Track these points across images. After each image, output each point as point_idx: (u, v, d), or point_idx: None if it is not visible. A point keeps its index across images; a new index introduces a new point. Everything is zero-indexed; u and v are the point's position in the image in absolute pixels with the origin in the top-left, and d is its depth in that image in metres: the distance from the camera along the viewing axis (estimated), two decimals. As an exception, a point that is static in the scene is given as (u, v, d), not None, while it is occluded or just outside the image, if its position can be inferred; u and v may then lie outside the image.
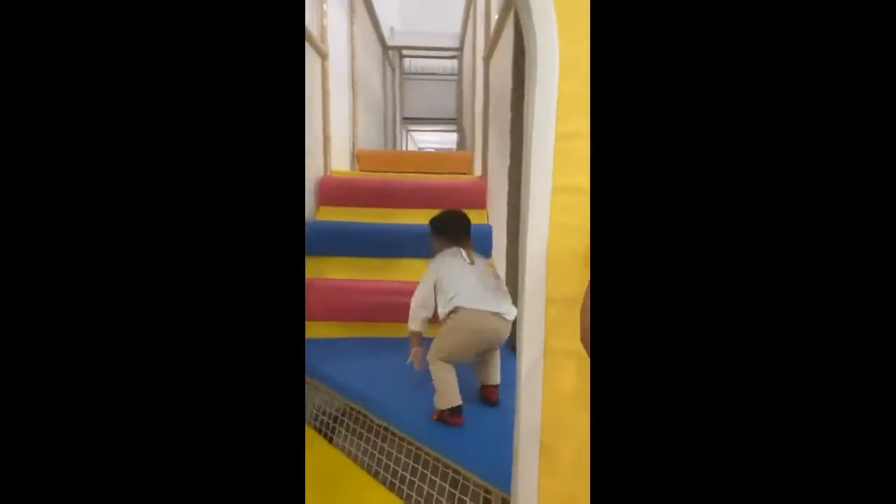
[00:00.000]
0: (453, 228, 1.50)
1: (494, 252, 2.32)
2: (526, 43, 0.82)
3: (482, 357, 1.38)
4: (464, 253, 1.42)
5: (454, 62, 5.65)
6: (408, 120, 5.92)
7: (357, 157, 3.56)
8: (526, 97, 0.82)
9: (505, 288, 1.39)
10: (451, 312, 1.30)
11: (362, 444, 1.50)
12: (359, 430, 1.55)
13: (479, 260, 1.43)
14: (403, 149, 6.17)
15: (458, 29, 4.97)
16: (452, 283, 1.31)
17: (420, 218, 2.54)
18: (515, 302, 1.06)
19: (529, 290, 0.82)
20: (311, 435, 1.64)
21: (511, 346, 1.83)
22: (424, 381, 1.39)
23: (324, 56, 2.60)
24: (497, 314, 1.27)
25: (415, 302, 1.40)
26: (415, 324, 1.39)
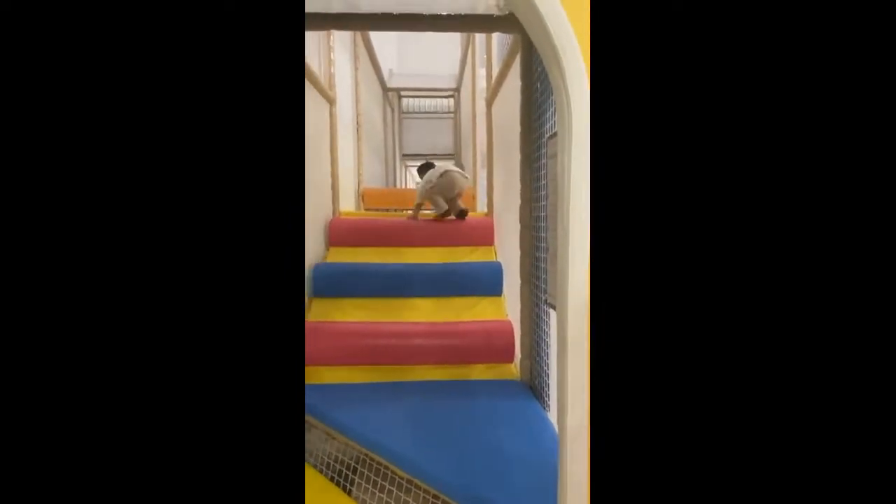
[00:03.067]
0: (428, 168, 3.02)
1: (506, 290, 2.33)
2: (557, 100, 0.85)
3: (453, 200, 2.82)
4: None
5: (450, 101, 5.81)
6: (407, 156, 6.03)
7: (362, 196, 3.60)
8: (560, 153, 0.85)
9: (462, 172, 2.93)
10: (442, 175, 2.80)
11: (384, 496, 1.45)
12: (379, 481, 1.50)
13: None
14: (403, 184, 6.26)
15: (453, 70, 5.16)
16: (439, 171, 2.83)
17: (429, 256, 2.56)
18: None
19: (572, 345, 0.82)
20: (327, 486, 1.58)
21: (534, 393, 1.81)
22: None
23: (332, 102, 2.67)
24: (461, 172, 2.85)
25: (419, 193, 2.90)
26: (422, 201, 2.90)
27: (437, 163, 3.11)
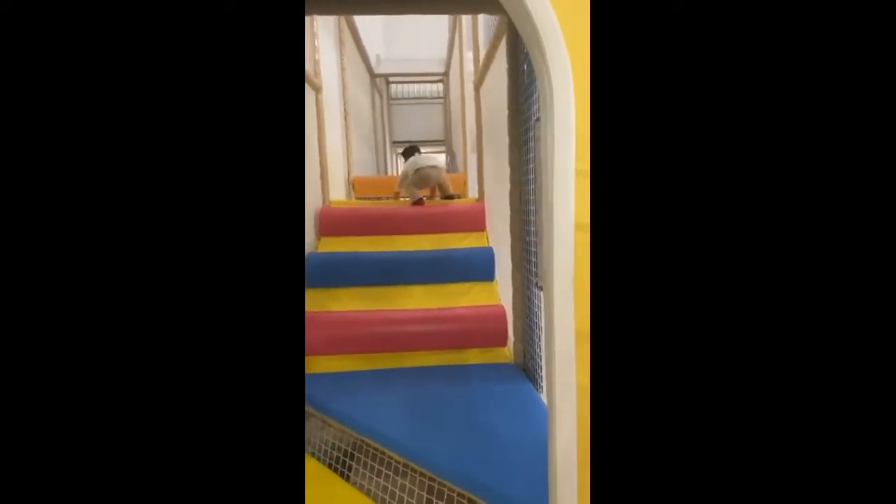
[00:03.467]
0: (410, 152, 3.29)
1: (498, 276, 2.34)
2: (540, 84, 0.85)
3: (438, 187, 3.16)
4: (418, 154, 3.25)
5: (439, 86, 5.75)
6: (397, 143, 5.98)
7: (352, 185, 3.58)
8: (543, 138, 0.84)
9: (439, 158, 3.30)
10: (415, 172, 3.02)
11: (381, 481, 1.48)
12: (376, 466, 1.52)
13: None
14: (394, 171, 6.23)
15: (441, 54, 5.09)
16: (416, 164, 3.05)
17: (421, 243, 2.56)
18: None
19: (558, 326, 0.83)
20: (325, 473, 1.61)
21: (527, 375, 1.84)
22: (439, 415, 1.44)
23: (318, 90, 2.63)
24: (432, 167, 3.05)
25: (399, 183, 3.19)
26: (400, 190, 3.19)
27: (420, 151, 3.31)
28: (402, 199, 3.18)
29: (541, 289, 1.58)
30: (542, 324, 1.70)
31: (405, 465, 1.43)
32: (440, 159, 3.23)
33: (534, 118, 1.59)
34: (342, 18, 3.52)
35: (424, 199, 2.96)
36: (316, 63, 2.65)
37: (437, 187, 3.14)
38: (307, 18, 2.53)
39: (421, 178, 3.02)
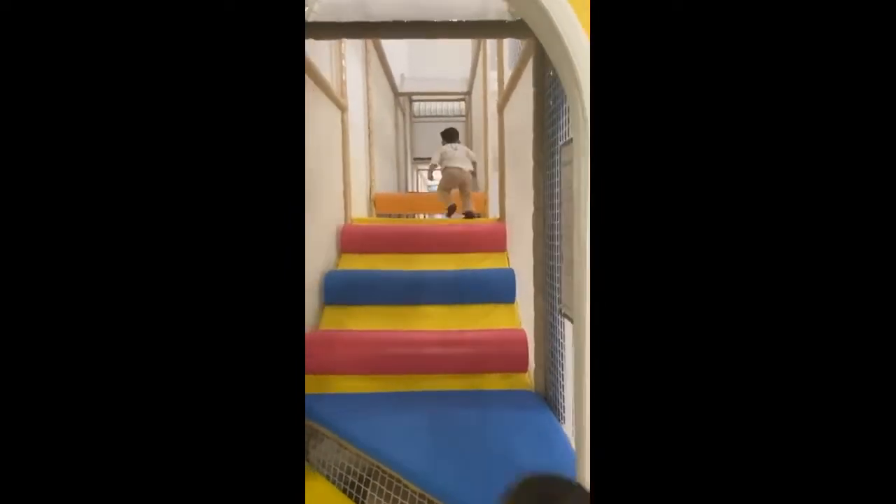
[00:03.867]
0: (448, 136, 3.46)
1: (519, 298, 2.29)
2: (572, 108, 0.83)
3: (461, 192, 3.29)
4: (453, 144, 3.36)
5: (461, 104, 5.82)
6: (418, 160, 6.04)
7: (374, 201, 3.61)
8: (575, 165, 0.82)
9: (470, 158, 3.39)
10: (443, 169, 3.27)
11: (396, 510, 1.43)
12: (391, 494, 1.48)
13: (460, 146, 3.41)
14: (415, 188, 6.28)
15: (465, 73, 5.15)
16: (446, 158, 3.27)
17: (441, 263, 2.54)
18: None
19: (588, 363, 0.79)
20: (340, 498, 1.57)
21: (549, 404, 1.78)
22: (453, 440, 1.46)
23: (343, 109, 2.68)
24: (458, 168, 3.22)
25: (436, 161, 3.42)
26: (437, 164, 3.45)
27: (458, 137, 3.47)
28: (433, 214, 3.32)
29: (565, 316, 1.53)
30: (567, 352, 1.65)
31: (421, 496, 1.39)
32: (467, 161, 3.33)
33: (560, 142, 1.57)
34: (369, 40, 3.60)
35: (453, 207, 3.15)
36: (343, 84, 2.70)
37: (460, 188, 3.25)
38: (335, 42, 2.59)
39: (448, 177, 3.22)
